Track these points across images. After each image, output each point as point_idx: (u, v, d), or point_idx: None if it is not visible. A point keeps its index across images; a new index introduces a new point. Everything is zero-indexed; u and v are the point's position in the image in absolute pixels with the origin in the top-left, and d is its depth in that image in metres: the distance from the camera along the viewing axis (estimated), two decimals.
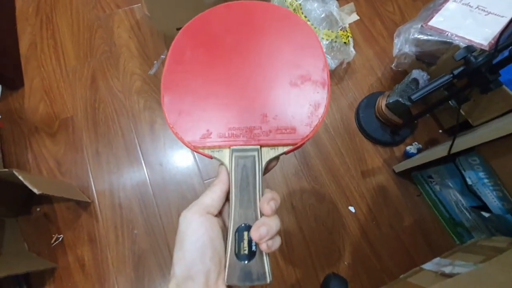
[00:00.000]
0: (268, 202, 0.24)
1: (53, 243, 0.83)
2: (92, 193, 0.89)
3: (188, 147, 0.27)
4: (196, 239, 0.23)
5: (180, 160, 0.94)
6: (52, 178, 0.90)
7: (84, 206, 0.87)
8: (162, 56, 1.06)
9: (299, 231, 0.88)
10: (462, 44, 0.81)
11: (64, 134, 0.95)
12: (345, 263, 0.85)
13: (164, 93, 0.28)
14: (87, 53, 1.05)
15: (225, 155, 0.26)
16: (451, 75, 0.67)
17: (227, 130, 0.27)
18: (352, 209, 0.91)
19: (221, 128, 0.27)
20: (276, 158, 0.27)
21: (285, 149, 0.27)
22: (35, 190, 0.67)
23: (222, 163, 0.27)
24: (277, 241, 0.24)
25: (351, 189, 0.94)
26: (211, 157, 0.27)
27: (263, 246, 0.23)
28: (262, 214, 0.24)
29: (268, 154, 0.26)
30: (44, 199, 0.87)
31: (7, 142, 0.93)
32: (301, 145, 0.27)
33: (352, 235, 0.89)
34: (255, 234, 0.23)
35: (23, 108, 0.98)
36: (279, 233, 0.24)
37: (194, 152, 0.97)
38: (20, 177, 0.67)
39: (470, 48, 0.68)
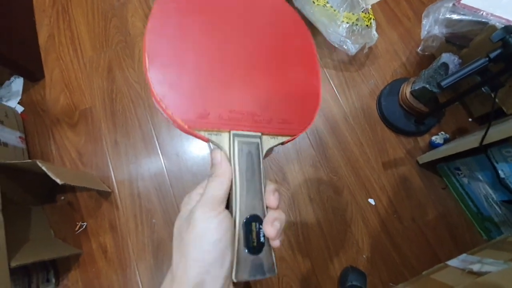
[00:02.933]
0: (273, 193, 0.23)
1: (77, 230, 0.86)
2: (112, 182, 0.91)
3: (180, 127, 0.23)
4: (219, 239, 0.21)
5: (196, 150, 0.94)
6: (75, 168, 0.93)
7: (105, 195, 0.89)
8: None
9: (317, 223, 0.86)
10: (499, 25, 0.74)
11: (84, 125, 0.97)
12: (364, 256, 0.84)
13: (149, 58, 0.22)
14: (103, 43, 1.05)
15: (223, 140, 0.24)
16: (487, 59, 0.62)
17: (227, 112, 0.24)
18: (372, 201, 0.88)
19: (220, 109, 0.24)
20: (272, 148, 0.26)
21: (284, 139, 0.26)
22: (58, 181, 0.69)
23: (219, 148, 0.24)
24: (282, 235, 0.24)
25: (371, 181, 0.90)
26: (207, 140, 0.24)
27: (276, 243, 0.22)
28: (267, 208, 0.23)
29: (268, 143, 0.25)
30: (68, 188, 0.90)
31: (31, 134, 0.96)
32: (297, 136, 0.27)
33: (371, 228, 0.86)
34: (271, 230, 0.22)
35: (44, 99, 1.00)
36: None
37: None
38: (43, 168, 0.69)
39: (509, 29, 0.61)
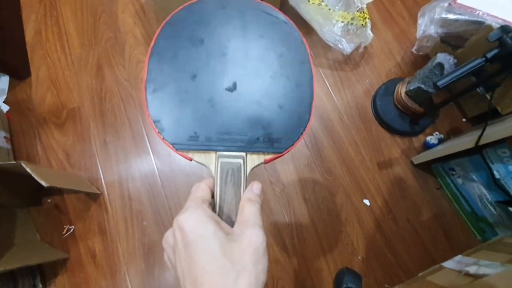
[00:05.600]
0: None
1: (64, 234, 0.83)
2: (102, 184, 0.88)
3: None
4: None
5: None
6: (62, 170, 0.90)
7: (94, 197, 0.87)
8: None
9: (311, 224, 0.85)
10: (495, 24, 0.74)
11: (71, 125, 0.94)
12: (359, 257, 0.83)
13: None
14: (92, 40, 1.02)
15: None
16: (484, 59, 0.61)
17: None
18: (367, 202, 0.88)
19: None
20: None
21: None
22: (43, 183, 0.66)
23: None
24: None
25: (366, 181, 0.89)
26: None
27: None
28: None
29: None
30: (55, 190, 0.87)
31: (16, 134, 0.92)
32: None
33: (366, 229, 0.85)
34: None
35: (30, 98, 0.96)
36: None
37: None
38: (28, 170, 0.66)
39: (505, 29, 0.61)
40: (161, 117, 0.26)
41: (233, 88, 0.27)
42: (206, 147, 0.26)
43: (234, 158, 0.25)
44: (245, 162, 0.25)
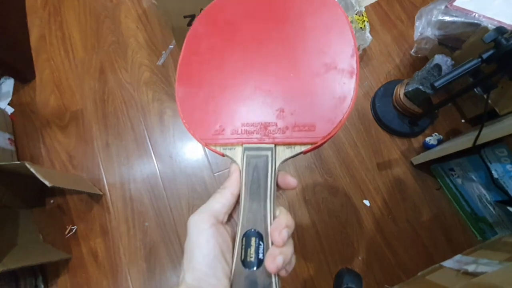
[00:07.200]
0: (280, 231, 0.21)
1: (67, 234, 0.84)
2: (104, 185, 0.89)
3: (200, 143, 0.26)
4: (208, 252, 0.21)
5: (190, 152, 0.93)
6: (65, 171, 0.91)
7: (96, 198, 0.88)
8: (170, 46, 1.04)
9: (312, 225, 0.85)
10: (491, 26, 0.75)
11: (74, 127, 0.95)
12: (359, 258, 0.83)
13: (178, 86, 0.27)
14: (95, 44, 1.04)
15: (237, 153, 0.25)
16: (480, 60, 0.62)
17: (240, 126, 0.25)
18: (367, 202, 0.88)
19: (234, 123, 0.25)
20: (289, 158, 0.24)
21: (303, 148, 0.24)
22: (47, 183, 0.67)
23: (234, 162, 0.25)
24: (293, 262, 0.22)
25: (366, 182, 0.90)
26: (223, 155, 0.25)
27: (283, 273, 0.22)
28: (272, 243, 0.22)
29: (283, 153, 0.24)
30: (58, 191, 0.88)
31: (20, 136, 0.94)
32: (322, 144, 0.23)
33: (366, 229, 0.86)
34: (271, 265, 0.20)
35: (34, 101, 0.98)
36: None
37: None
38: (32, 170, 0.67)
39: (500, 30, 0.62)
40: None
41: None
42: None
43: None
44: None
